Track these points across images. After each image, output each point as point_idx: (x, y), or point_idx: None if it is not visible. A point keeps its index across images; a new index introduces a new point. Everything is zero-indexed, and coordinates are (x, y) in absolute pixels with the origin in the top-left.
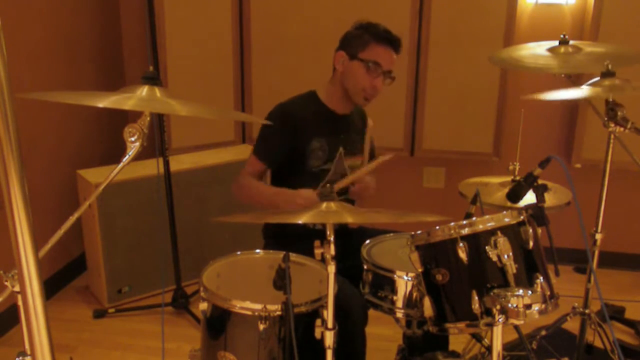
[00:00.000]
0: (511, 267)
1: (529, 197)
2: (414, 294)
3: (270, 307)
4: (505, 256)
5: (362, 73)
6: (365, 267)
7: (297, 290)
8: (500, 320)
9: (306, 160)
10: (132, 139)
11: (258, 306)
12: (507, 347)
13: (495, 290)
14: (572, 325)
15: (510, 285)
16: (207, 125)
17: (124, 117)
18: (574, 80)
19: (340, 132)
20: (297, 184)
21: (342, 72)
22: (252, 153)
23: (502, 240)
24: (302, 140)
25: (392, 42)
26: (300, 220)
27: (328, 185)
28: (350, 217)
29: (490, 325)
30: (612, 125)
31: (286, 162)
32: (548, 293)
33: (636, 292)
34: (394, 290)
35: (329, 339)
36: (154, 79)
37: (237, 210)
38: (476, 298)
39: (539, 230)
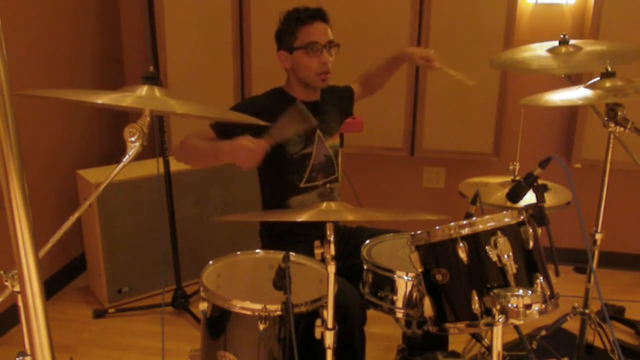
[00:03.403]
0: (511, 267)
1: (529, 197)
2: (414, 294)
3: (270, 307)
4: (505, 256)
5: (306, 59)
6: (365, 267)
7: (297, 290)
8: (500, 320)
9: (284, 148)
10: (132, 139)
11: (258, 306)
12: (507, 347)
13: (495, 290)
14: (572, 325)
15: (510, 285)
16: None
17: (124, 117)
18: (574, 80)
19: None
20: (282, 172)
21: (291, 68)
22: (209, 126)
23: (502, 240)
24: None
25: (314, 16)
26: (300, 219)
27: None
28: (350, 216)
29: (490, 325)
30: (612, 125)
31: (267, 154)
32: (548, 293)
33: (636, 292)
34: (394, 290)
35: (329, 339)
36: (154, 79)
37: (237, 210)
38: (476, 298)
39: (539, 230)
